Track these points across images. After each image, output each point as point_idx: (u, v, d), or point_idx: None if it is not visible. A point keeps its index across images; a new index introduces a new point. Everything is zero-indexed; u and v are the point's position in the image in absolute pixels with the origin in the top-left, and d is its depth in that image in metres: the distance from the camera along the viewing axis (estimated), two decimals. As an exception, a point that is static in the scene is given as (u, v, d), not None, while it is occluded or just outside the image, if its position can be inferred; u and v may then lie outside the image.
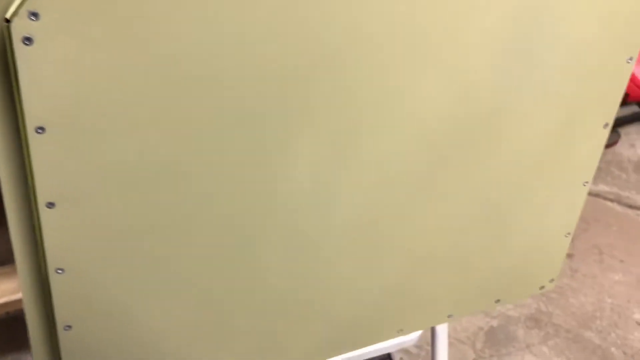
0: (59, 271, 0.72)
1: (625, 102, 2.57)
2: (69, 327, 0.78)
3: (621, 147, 2.61)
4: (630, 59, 0.97)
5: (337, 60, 0.73)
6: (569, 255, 2.28)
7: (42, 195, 0.66)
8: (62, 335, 0.78)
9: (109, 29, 0.60)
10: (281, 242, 0.85)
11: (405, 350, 1.83)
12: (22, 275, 0.74)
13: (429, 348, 1.61)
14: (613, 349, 2.06)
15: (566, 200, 1.12)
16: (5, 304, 1.38)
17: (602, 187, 2.48)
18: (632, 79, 2.67)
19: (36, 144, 0.63)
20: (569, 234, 1.18)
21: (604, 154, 2.59)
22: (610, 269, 2.24)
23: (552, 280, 1.21)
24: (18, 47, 0.57)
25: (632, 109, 2.70)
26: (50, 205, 0.67)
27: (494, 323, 2.10)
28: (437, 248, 1.00)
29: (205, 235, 0.79)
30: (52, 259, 0.71)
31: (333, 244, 0.89)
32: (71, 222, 0.70)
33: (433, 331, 1.37)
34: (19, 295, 1.30)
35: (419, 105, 0.83)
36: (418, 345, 1.86)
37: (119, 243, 0.74)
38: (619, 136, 2.60)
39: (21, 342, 1.67)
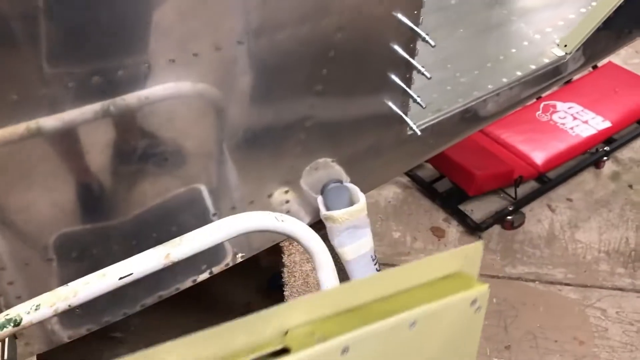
0: None
1: (521, 181, 2.63)
2: None
3: (529, 225, 2.64)
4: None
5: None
6: (507, 347, 2.19)
7: None
8: None
9: None
10: None
11: None
12: None
13: None
14: None
15: None
16: None
17: (521, 269, 2.46)
18: (524, 158, 2.77)
19: None
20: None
21: (515, 235, 2.62)
22: (547, 352, 2.16)
23: None
24: None
25: (531, 185, 2.77)
26: None
27: None
28: None
29: None
30: None
31: None
32: None
33: None
34: None
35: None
36: None
37: None
38: (524, 216, 2.63)
39: None
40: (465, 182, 2.59)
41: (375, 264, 1.54)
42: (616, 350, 2.17)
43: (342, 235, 1.47)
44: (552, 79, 1.64)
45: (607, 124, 2.92)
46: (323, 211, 1.44)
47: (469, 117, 1.55)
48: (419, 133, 1.40)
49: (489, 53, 1.65)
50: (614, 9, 1.55)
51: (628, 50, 3.66)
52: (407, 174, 2.86)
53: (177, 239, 0.97)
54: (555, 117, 2.98)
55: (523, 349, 2.18)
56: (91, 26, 0.92)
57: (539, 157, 2.76)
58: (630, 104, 3.02)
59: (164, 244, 0.97)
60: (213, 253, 1.33)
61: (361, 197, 1.45)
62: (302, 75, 1.19)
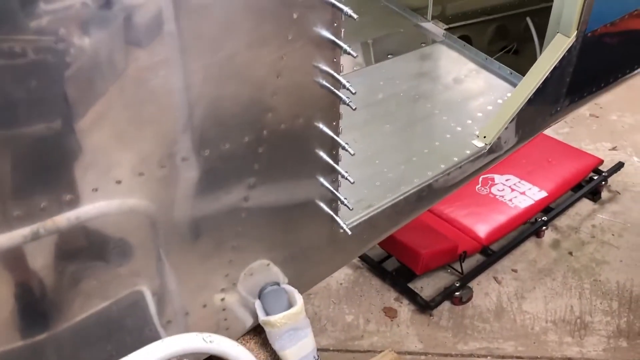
0: None
1: (466, 256, 2.70)
2: None
3: (478, 299, 2.69)
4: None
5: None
6: None
7: None
8: None
9: None
10: None
11: None
12: None
13: None
14: None
15: None
16: None
17: (472, 345, 2.49)
18: (467, 232, 2.85)
19: None
20: None
21: (465, 310, 2.65)
22: None
23: None
24: None
25: (476, 258, 2.84)
26: None
27: None
28: None
29: None
30: None
31: None
32: None
33: None
34: None
35: None
36: None
37: None
38: (471, 290, 2.68)
39: None
40: (411, 262, 2.64)
41: (318, 364, 1.55)
42: (570, 423, 2.19)
43: (282, 338, 1.48)
44: (477, 166, 1.74)
45: (544, 194, 3.05)
46: (261, 316, 1.45)
47: (399, 210, 1.61)
48: (349, 232, 1.44)
49: (414, 147, 1.74)
50: (527, 100, 1.67)
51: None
52: (357, 254, 2.90)
53: (101, 370, 0.97)
54: (494, 189, 3.10)
55: None
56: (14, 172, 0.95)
57: (482, 230, 2.85)
58: (564, 173, 3.18)
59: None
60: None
61: (299, 299, 1.47)
62: (230, 192, 1.23)
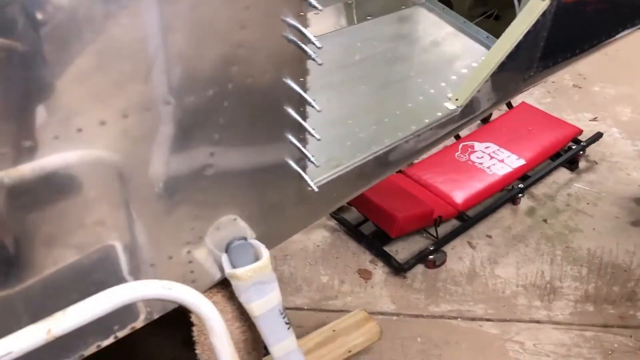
0: None
1: (441, 221, 2.73)
2: None
3: (452, 263, 2.74)
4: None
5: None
6: (429, 387, 2.25)
7: None
8: None
9: None
10: None
11: None
12: None
13: None
14: None
15: None
16: None
17: (444, 307, 2.54)
18: (444, 197, 2.88)
19: None
20: None
21: (438, 273, 2.70)
22: (468, 389, 2.23)
23: None
24: None
25: (452, 223, 2.88)
26: None
27: None
28: None
29: None
30: None
31: None
32: None
33: None
34: None
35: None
36: None
37: None
38: (445, 254, 2.73)
39: None
40: (387, 225, 2.67)
41: (283, 318, 1.58)
42: (533, 382, 2.26)
43: (248, 291, 1.51)
44: (449, 129, 1.75)
45: (522, 162, 3.08)
46: (227, 269, 1.47)
47: (368, 170, 1.62)
48: (315, 189, 1.46)
49: (387, 108, 1.74)
50: (499, 64, 1.67)
51: (540, 90, 3.90)
52: (335, 217, 2.93)
53: (59, 313, 0.98)
54: (473, 157, 3.12)
55: (445, 388, 2.24)
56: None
57: (459, 196, 2.88)
58: (543, 142, 3.21)
59: (46, 318, 0.98)
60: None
61: (265, 254, 1.49)
62: (195, 147, 1.24)
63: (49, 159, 1.11)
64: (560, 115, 3.59)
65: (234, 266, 1.49)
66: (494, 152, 3.15)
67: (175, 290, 1.04)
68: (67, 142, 1.08)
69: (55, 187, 1.15)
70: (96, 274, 1.29)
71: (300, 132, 1.40)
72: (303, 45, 1.24)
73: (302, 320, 2.44)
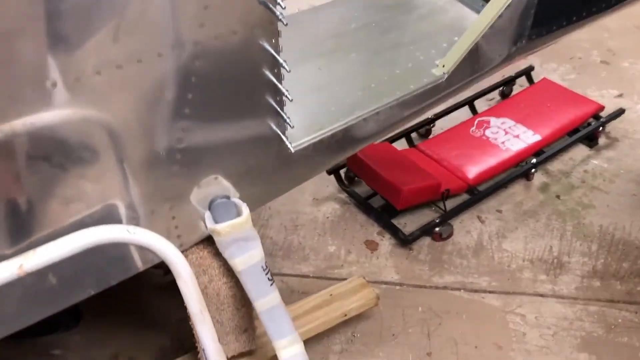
0: None
1: (448, 195, 2.74)
2: None
3: (459, 236, 2.74)
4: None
5: None
6: (428, 354, 2.28)
7: None
8: None
9: None
10: None
11: None
12: None
13: None
14: None
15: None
16: None
17: (447, 279, 2.56)
18: (455, 172, 2.88)
19: None
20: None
21: (444, 246, 2.72)
22: (466, 357, 2.25)
23: None
24: None
25: (462, 197, 2.88)
26: None
27: None
28: None
29: None
30: None
31: None
32: None
33: None
34: None
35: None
36: None
37: None
38: (452, 227, 2.74)
39: None
40: (393, 197, 2.70)
41: (266, 274, 1.65)
42: (532, 353, 2.26)
43: (231, 247, 1.58)
44: (435, 96, 1.77)
45: (537, 138, 3.04)
46: (209, 225, 1.55)
47: (351, 135, 1.66)
48: (292, 150, 1.51)
49: (375, 75, 1.77)
50: (484, 32, 1.68)
51: (566, 67, 3.81)
52: (345, 190, 2.98)
53: (31, 251, 1.08)
54: (487, 132, 3.10)
55: (444, 355, 2.27)
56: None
57: (469, 170, 2.88)
58: (560, 118, 3.15)
59: (18, 255, 1.08)
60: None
61: (245, 211, 1.56)
62: (168, 104, 1.31)
63: (36, 116, 1.20)
64: (584, 92, 3.51)
65: (216, 222, 1.56)
66: (509, 127, 3.12)
67: (139, 234, 1.12)
68: (42, 98, 1.17)
69: (39, 142, 1.23)
70: (76, 228, 1.37)
71: (277, 94, 1.46)
72: (270, 5, 1.29)
73: (307, 287, 2.51)
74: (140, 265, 1.54)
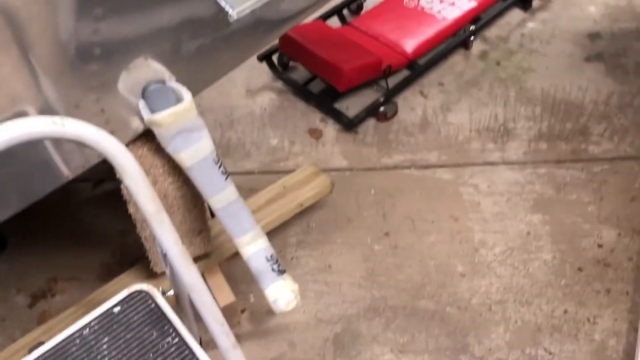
0: None
1: (390, 72, 2.60)
2: None
3: (403, 114, 2.64)
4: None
5: None
6: (386, 234, 2.23)
7: None
8: None
9: None
10: None
11: None
12: None
13: None
14: (448, 309, 2.02)
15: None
16: None
17: (397, 158, 2.48)
18: (393, 46, 2.73)
19: None
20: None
21: (390, 125, 2.62)
22: (424, 233, 2.22)
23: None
24: None
25: (403, 74, 2.74)
26: None
27: (337, 329, 1.97)
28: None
29: None
30: None
31: None
32: None
33: None
34: None
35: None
36: None
37: None
38: (396, 105, 2.62)
39: None
40: (334, 78, 2.53)
41: (219, 167, 1.47)
42: (488, 221, 2.26)
43: (174, 140, 1.38)
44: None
45: (473, 4, 2.91)
46: (146, 116, 1.34)
47: (296, 2, 1.45)
48: (234, 17, 1.29)
49: None
50: None
51: None
52: (280, 77, 2.77)
53: None
54: (422, 2, 2.93)
55: (402, 234, 2.23)
56: None
57: (408, 44, 2.73)
58: (495, -19, 3.02)
59: None
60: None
61: (186, 96, 1.35)
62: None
63: None
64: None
65: (152, 112, 1.35)
66: (444, -5, 2.96)
67: (69, 126, 0.90)
68: None
69: None
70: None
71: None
72: None
73: (254, 183, 2.35)
74: (66, 172, 1.32)
